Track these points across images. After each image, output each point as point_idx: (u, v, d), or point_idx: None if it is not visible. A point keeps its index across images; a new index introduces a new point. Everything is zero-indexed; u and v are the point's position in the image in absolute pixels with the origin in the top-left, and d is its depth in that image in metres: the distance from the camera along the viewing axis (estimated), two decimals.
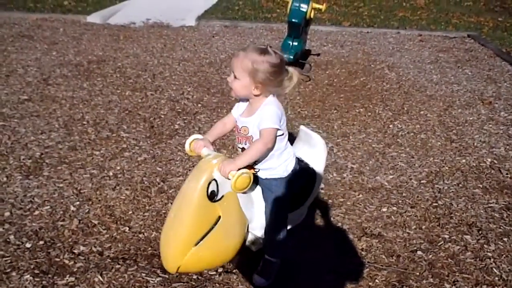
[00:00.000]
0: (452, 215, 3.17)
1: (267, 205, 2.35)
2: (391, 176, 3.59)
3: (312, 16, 5.08)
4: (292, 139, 2.52)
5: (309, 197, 2.57)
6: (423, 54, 6.56)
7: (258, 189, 2.40)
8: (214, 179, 2.10)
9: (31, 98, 4.66)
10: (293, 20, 4.88)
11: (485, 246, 2.88)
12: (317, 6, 5.00)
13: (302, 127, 2.65)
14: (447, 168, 3.75)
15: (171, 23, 7.86)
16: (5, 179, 3.34)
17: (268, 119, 2.11)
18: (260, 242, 2.50)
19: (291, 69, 2.21)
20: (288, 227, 2.51)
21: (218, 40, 6.93)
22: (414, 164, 3.78)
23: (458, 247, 2.86)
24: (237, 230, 2.31)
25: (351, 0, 10.30)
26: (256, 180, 2.35)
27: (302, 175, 2.45)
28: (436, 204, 3.28)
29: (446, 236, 2.95)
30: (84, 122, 4.21)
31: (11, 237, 2.77)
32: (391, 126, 4.41)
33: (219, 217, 2.17)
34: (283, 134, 2.25)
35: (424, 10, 9.82)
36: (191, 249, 2.12)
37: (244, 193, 2.24)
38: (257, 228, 2.43)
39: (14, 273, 2.50)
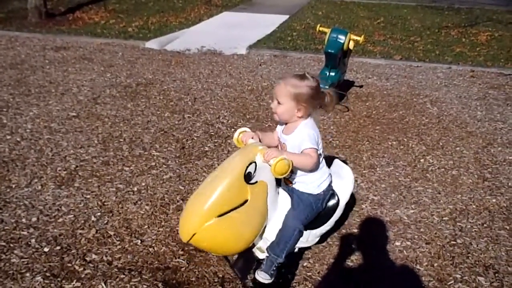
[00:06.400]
0: (469, 254, 3.05)
1: (292, 210, 2.48)
2: (412, 211, 3.51)
3: (351, 47, 5.12)
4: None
5: (326, 223, 2.61)
6: (471, 90, 6.33)
7: (286, 198, 2.51)
8: (254, 162, 2.24)
9: (79, 115, 5.00)
10: (330, 50, 4.93)
11: None
12: (355, 37, 5.02)
13: (336, 159, 2.86)
14: (474, 206, 3.60)
15: (224, 51, 8.14)
16: (40, 187, 3.60)
17: (307, 141, 2.35)
18: None
19: (325, 90, 2.48)
20: (296, 247, 2.57)
21: (265, 69, 7.08)
22: (439, 200, 3.66)
23: None
24: (256, 221, 2.36)
25: (407, 35, 10.16)
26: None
27: (330, 199, 2.59)
28: (454, 242, 3.16)
29: (458, 276, 2.84)
30: (121, 140, 4.45)
31: (32, 240, 2.99)
32: (422, 160, 4.30)
33: (246, 200, 2.25)
34: (320, 154, 2.45)
35: (484, 46, 9.47)
36: (212, 220, 2.15)
37: (278, 184, 2.42)
38: (270, 232, 2.47)
39: (28, 274, 2.70)
